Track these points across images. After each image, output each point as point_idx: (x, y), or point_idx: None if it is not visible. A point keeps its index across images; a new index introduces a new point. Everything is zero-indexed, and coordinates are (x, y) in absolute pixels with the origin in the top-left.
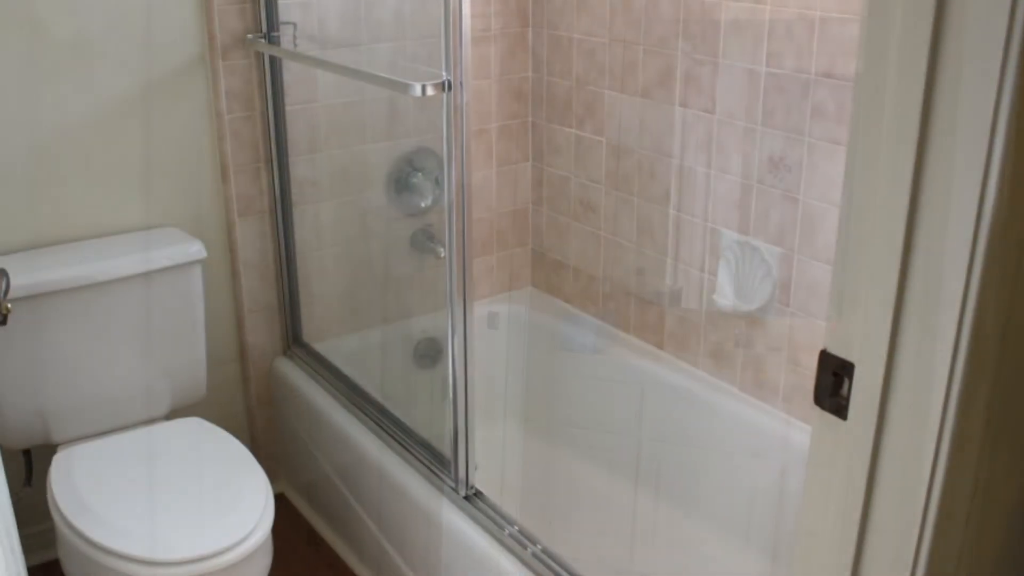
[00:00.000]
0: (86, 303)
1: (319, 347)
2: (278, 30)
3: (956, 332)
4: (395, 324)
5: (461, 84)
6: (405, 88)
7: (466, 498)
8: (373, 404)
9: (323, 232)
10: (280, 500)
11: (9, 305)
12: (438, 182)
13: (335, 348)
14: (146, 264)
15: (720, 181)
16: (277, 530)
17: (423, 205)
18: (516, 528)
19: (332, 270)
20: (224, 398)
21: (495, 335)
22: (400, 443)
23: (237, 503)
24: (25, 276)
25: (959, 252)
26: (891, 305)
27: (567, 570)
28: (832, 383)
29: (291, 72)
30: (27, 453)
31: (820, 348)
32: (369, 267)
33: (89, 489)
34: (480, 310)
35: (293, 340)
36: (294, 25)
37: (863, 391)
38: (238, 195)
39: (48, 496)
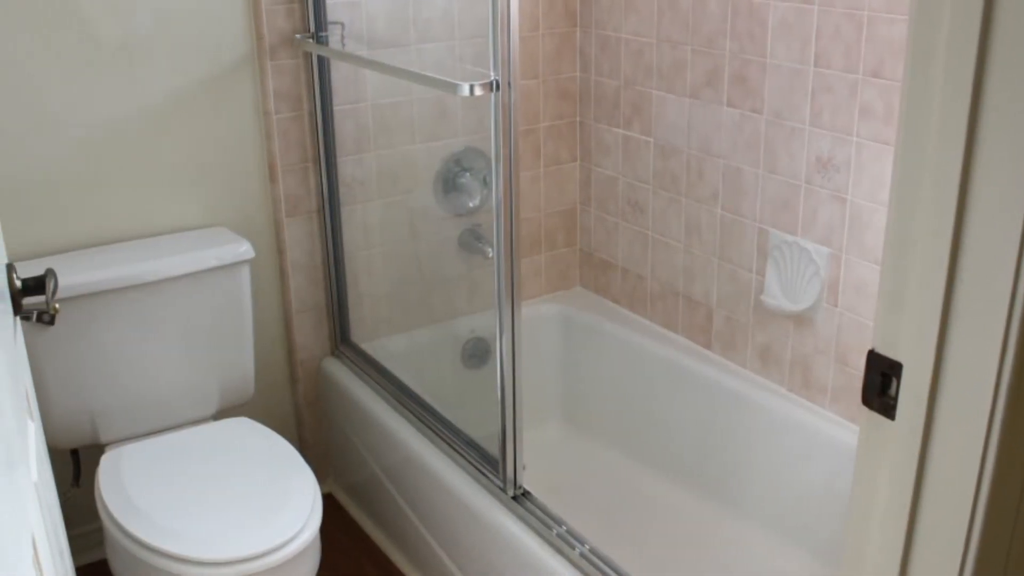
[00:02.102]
0: (134, 303)
1: (367, 347)
2: (326, 30)
3: (1004, 332)
4: (443, 324)
5: (509, 84)
6: (453, 88)
7: (514, 498)
8: (421, 404)
9: (371, 232)
10: (328, 500)
11: (57, 305)
12: (486, 182)
13: (383, 348)
14: (194, 264)
15: (768, 181)
16: (325, 530)
17: (471, 205)
18: (564, 528)
19: (380, 270)
20: (272, 398)
21: (544, 334)
22: (448, 443)
23: (285, 503)
24: (73, 276)
25: (1007, 252)
26: (939, 305)
27: (615, 570)
28: (880, 383)
29: (339, 72)
30: (75, 453)
31: (868, 348)
32: (417, 267)
33: (137, 489)
34: (528, 310)
35: (341, 340)
36: (342, 25)
37: (911, 391)
38: (286, 195)
39: (96, 496)
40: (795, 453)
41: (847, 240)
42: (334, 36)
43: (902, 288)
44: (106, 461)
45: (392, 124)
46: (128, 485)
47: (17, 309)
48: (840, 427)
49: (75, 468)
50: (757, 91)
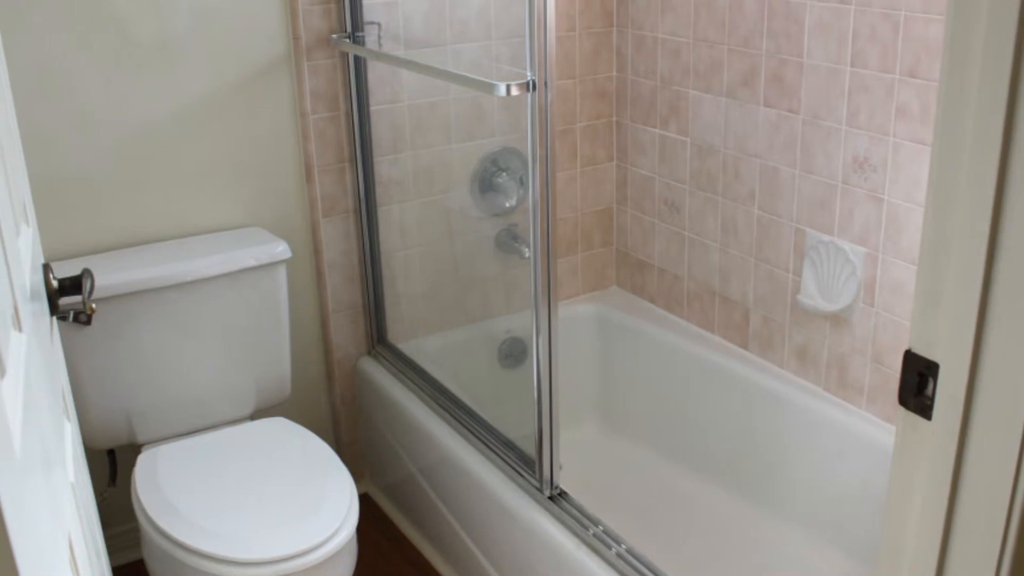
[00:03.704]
0: (171, 303)
1: (403, 347)
2: (363, 30)
3: None
4: (479, 324)
5: (546, 84)
6: (490, 88)
7: (550, 498)
8: (457, 404)
9: (407, 232)
10: (364, 500)
11: (94, 305)
12: (522, 182)
13: (419, 348)
14: (231, 264)
15: (804, 181)
16: (361, 530)
17: (507, 205)
18: (600, 528)
19: (416, 270)
20: (308, 398)
21: (580, 334)
22: (484, 443)
23: (321, 503)
24: (110, 276)
25: None
26: (976, 305)
27: (651, 570)
28: (917, 383)
29: (375, 72)
30: (111, 453)
31: (905, 348)
32: (453, 267)
33: (173, 489)
34: (565, 310)
35: (377, 340)
36: (379, 25)
37: (948, 391)
38: (322, 195)
39: (132, 496)
40: (831, 453)
41: (883, 240)
42: (371, 36)
43: (939, 288)
44: (142, 461)
45: (428, 124)
46: (164, 485)
47: (54, 309)
48: (876, 427)
49: (111, 468)
50: (794, 91)
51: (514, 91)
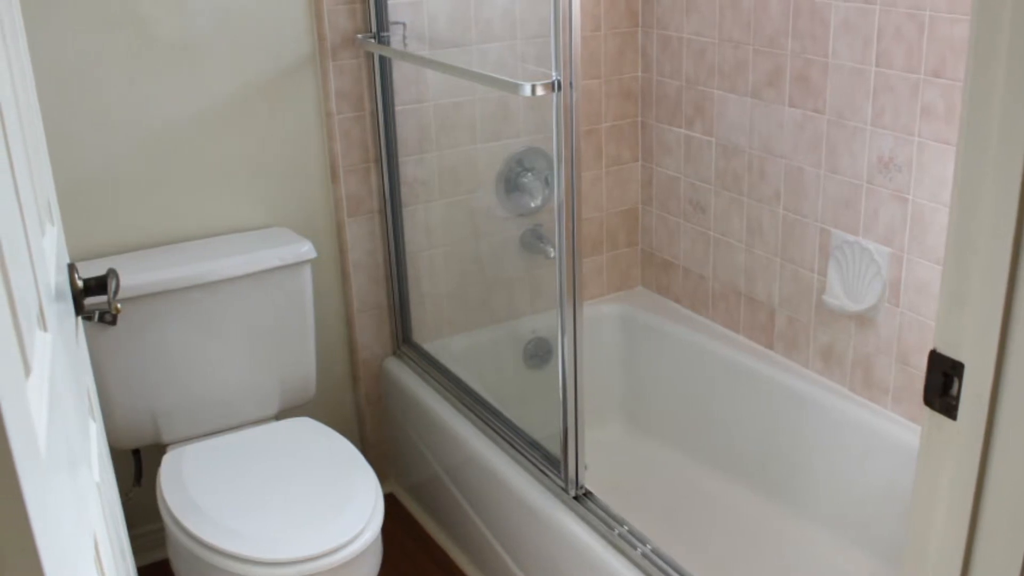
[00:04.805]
0: (196, 303)
1: (429, 347)
2: (388, 30)
3: None
4: (505, 324)
5: (571, 84)
6: (515, 88)
7: (576, 498)
8: (482, 404)
9: (433, 232)
10: (389, 500)
11: (119, 305)
12: (548, 182)
13: (444, 348)
14: (256, 264)
15: (829, 181)
16: (387, 530)
17: (533, 205)
18: (626, 528)
19: (442, 270)
20: (334, 398)
21: (606, 334)
22: (510, 443)
23: (347, 503)
24: (135, 276)
25: None
26: (1001, 305)
27: (677, 570)
28: (942, 383)
29: (401, 72)
30: (136, 453)
31: (930, 348)
32: (479, 267)
33: (198, 489)
34: (590, 310)
35: (403, 340)
36: (404, 25)
37: (973, 391)
38: (348, 195)
39: (157, 496)
40: (856, 453)
41: (909, 240)
42: (396, 36)
43: (964, 288)
44: (168, 461)
45: (454, 124)
46: (190, 485)
47: (79, 309)
48: (902, 427)
49: (137, 468)
50: (819, 91)
51: (539, 91)
